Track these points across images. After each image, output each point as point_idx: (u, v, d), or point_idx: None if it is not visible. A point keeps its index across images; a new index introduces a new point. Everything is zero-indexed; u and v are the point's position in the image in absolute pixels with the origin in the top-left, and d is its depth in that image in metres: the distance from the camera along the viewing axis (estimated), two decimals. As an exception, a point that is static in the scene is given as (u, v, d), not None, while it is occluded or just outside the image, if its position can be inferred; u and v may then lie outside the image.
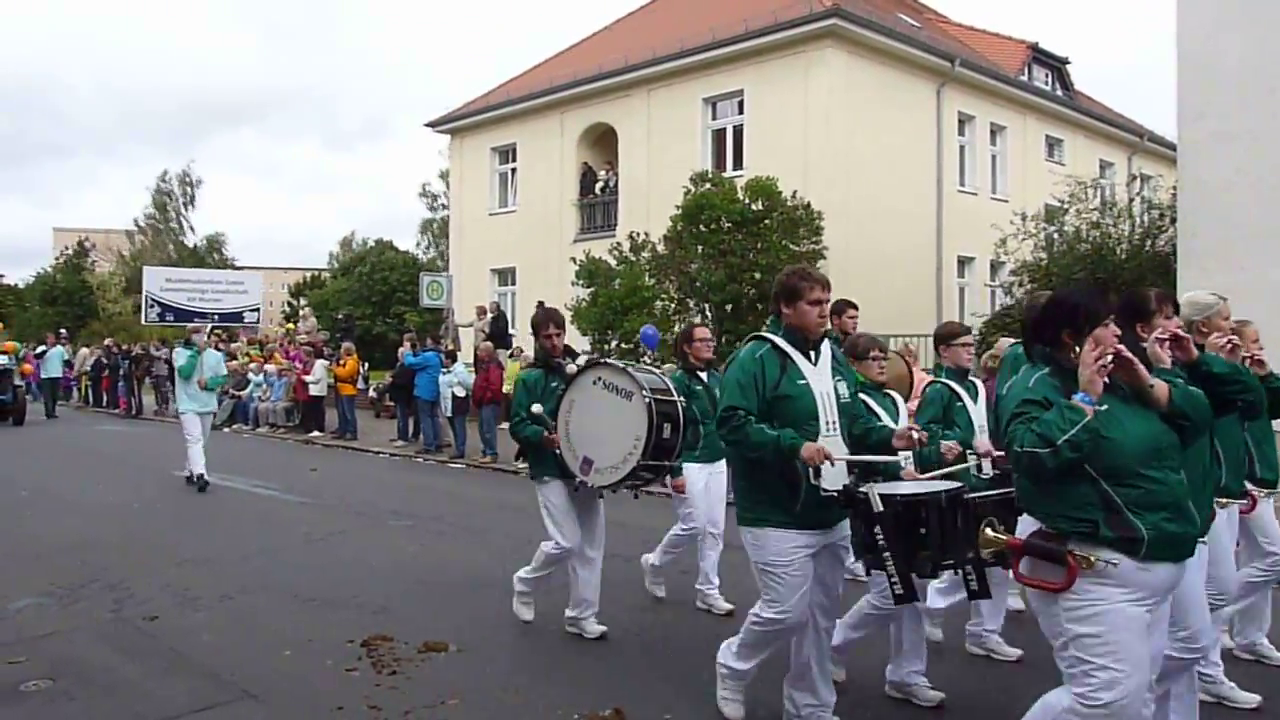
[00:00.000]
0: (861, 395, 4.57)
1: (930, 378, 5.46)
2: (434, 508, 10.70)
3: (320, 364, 18.77)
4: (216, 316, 27.62)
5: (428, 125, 28.83)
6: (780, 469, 3.94)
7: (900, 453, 4.39)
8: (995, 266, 21.81)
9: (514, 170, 26.89)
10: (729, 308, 17.86)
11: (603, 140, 24.90)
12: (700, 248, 17.78)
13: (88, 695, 4.90)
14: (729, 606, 6.34)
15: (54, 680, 5.08)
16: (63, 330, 30.74)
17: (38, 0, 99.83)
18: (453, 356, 16.08)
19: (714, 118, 22.16)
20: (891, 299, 17.97)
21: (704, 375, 6.42)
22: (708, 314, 18.22)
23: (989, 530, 3.49)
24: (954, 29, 26.16)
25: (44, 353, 23.72)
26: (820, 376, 4.11)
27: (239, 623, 6.18)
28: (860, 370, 4.84)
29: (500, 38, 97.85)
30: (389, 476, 13.70)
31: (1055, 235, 17.94)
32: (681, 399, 5.40)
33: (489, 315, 21.29)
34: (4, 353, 21.16)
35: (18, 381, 21.24)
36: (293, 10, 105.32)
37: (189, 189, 59.42)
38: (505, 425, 15.34)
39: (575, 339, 19.53)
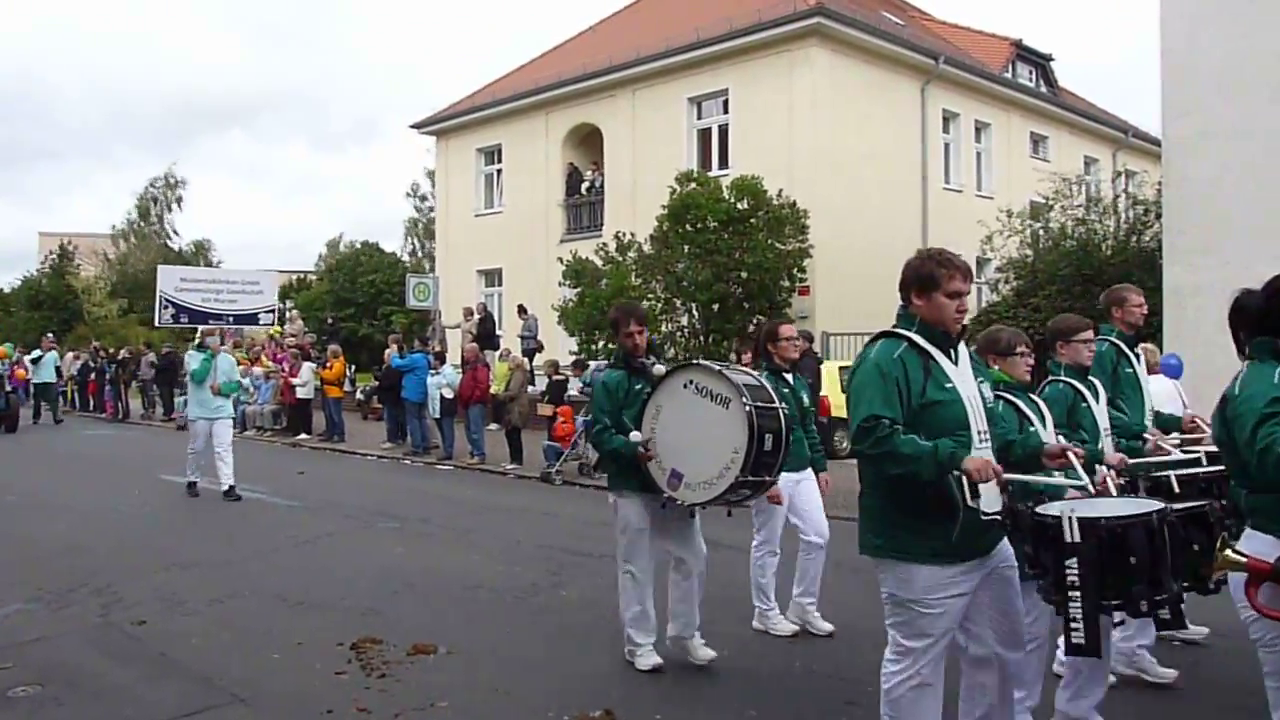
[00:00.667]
0: (1008, 396, 4.09)
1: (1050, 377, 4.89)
2: (422, 509, 10.69)
3: (307, 366, 18.71)
4: (231, 318, 26.86)
5: (413, 127, 28.79)
6: (934, 488, 3.27)
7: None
8: (981, 263, 21.85)
9: (499, 171, 26.88)
10: (715, 307, 17.94)
11: (588, 141, 24.90)
12: (686, 247, 17.83)
13: (76, 700, 4.88)
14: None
15: (42, 686, 5.06)
16: (50, 334, 30.43)
17: (25, 2, 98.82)
18: (441, 358, 16.06)
19: (699, 117, 22.20)
20: (877, 296, 17.92)
21: (789, 377, 5.87)
22: (694, 313, 18.28)
23: (1228, 552, 2.89)
24: (938, 26, 26.28)
25: (39, 358, 23.47)
26: (964, 379, 3.49)
27: (228, 626, 6.16)
28: (1006, 369, 4.31)
29: (488, 39, 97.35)
30: (377, 479, 13.67)
31: (1041, 232, 18.00)
32: (783, 405, 4.90)
33: (476, 316, 21.28)
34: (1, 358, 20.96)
35: (8, 388, 21.03)
36: (282, 12, 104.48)
37: (171, 192, 58.98)
38: (494, 426, 15.60)
39: (563, 339, 19.67)
